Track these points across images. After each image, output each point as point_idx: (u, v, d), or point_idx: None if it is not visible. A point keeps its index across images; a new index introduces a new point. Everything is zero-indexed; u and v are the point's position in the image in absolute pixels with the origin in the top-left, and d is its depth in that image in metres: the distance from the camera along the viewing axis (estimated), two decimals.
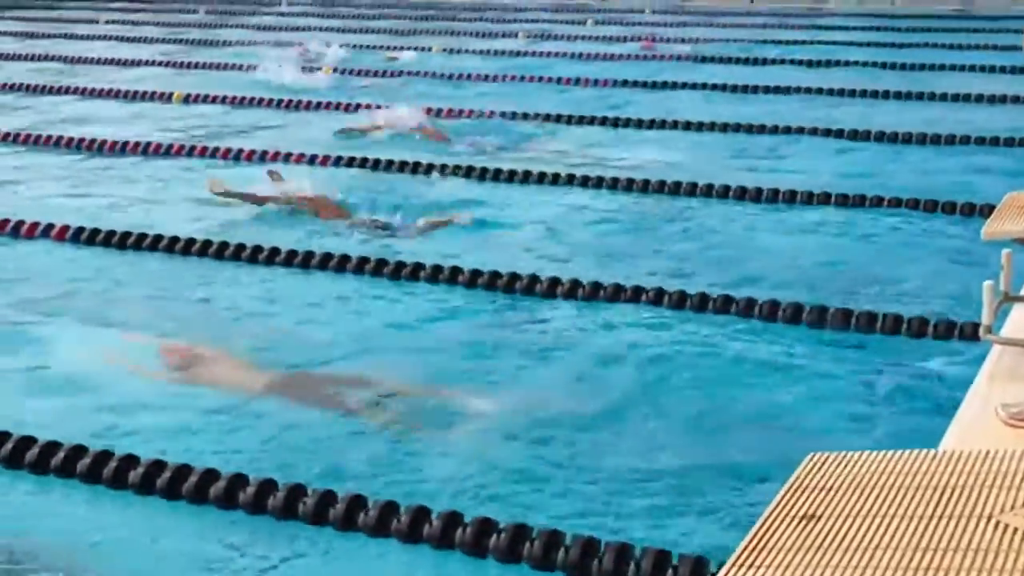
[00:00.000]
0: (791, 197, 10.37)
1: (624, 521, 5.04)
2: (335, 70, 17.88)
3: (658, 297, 7.77)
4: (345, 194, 10.29)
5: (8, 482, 5.44)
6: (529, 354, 7.06)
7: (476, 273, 8.22)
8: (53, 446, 5.49)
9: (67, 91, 16.10)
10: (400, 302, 8.01)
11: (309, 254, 8.69)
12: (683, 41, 21.44)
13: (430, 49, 20.54)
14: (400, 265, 8.43)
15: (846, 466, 2.83)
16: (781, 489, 2.72)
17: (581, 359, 6.99)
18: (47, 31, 23.57)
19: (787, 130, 13.30)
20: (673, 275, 8.37)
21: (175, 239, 9.02)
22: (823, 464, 2.86)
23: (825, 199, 10.26)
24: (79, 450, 5.46)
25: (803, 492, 2.70)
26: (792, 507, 2.62)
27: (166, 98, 15.56)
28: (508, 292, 8.05)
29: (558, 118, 14.10)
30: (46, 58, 19.69)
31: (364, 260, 8.54)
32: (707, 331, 7.36)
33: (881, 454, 2.86)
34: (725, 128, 13.52)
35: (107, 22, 25.58)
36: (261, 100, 15.39)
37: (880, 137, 12.90)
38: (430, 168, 11.48)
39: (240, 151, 12.25)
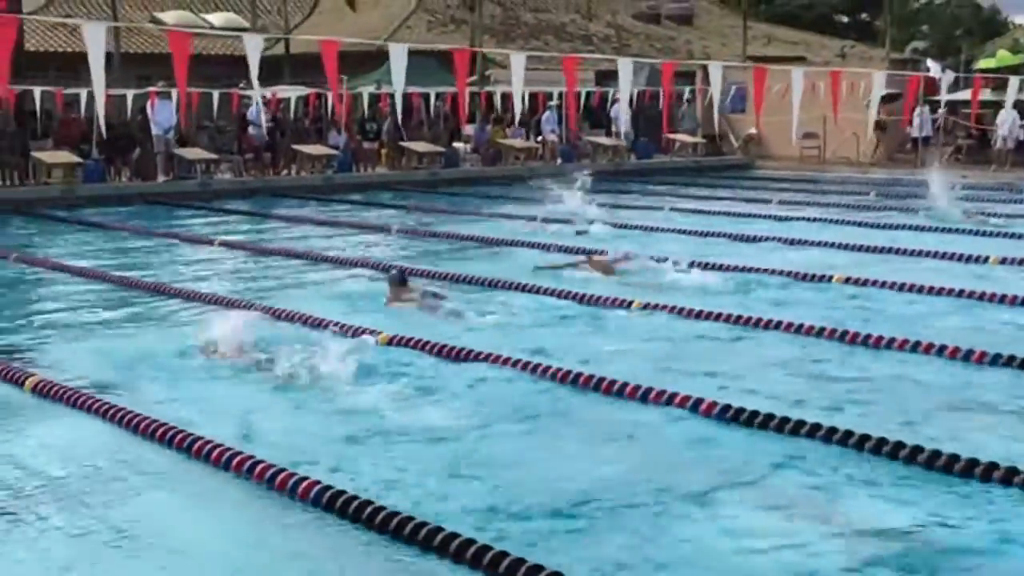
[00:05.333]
0: None
1: None
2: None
3: None
4: None
5: None
6: None
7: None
8: None
9: (731, 268, 16.52)
10: None
11: None
12: None
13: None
14: None
15: None
16: None
17: None
18: (715, 208, 24.88)
19: None
20: None
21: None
22: None
23: None
24: None
25: None
26: None
27: (826, 279, 15.58)
28: None
29: None
30: (715, 235, 20.73)
31: None
32: None
33: None
34: None
35: (779, 203, 26.47)
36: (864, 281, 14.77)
37: None
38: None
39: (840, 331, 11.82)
